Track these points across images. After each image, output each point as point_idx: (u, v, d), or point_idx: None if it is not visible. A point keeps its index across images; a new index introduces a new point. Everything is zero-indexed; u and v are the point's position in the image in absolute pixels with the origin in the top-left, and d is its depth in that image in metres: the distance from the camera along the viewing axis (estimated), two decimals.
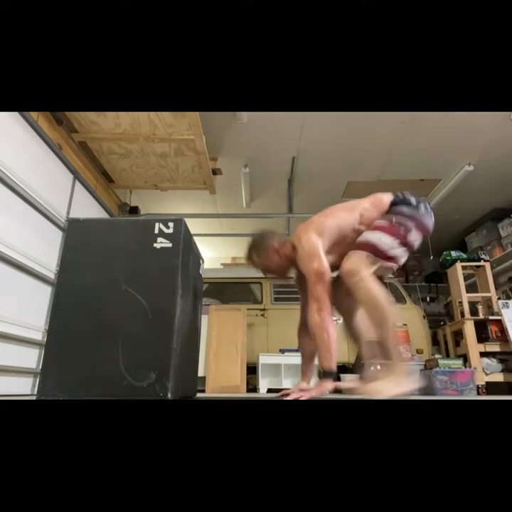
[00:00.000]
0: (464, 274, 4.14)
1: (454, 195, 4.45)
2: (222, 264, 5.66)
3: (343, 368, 3.99)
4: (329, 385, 1.37)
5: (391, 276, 4.47)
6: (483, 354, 3.72)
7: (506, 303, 3.83)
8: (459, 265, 4.14)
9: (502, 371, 3.67)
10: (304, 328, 1.62)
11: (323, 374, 1.39)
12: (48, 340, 1.26)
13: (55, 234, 2.66)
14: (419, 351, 3.97)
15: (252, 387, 3.98)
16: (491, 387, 3.57)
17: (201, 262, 1.86)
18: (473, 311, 3.96)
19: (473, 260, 4.25)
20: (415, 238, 1.47)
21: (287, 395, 1.38)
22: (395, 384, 1.30)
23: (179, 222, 1.39)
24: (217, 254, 6.33)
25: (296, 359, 3.68)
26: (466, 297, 4.00)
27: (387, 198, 1.58)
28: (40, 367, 1.30)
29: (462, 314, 3.96)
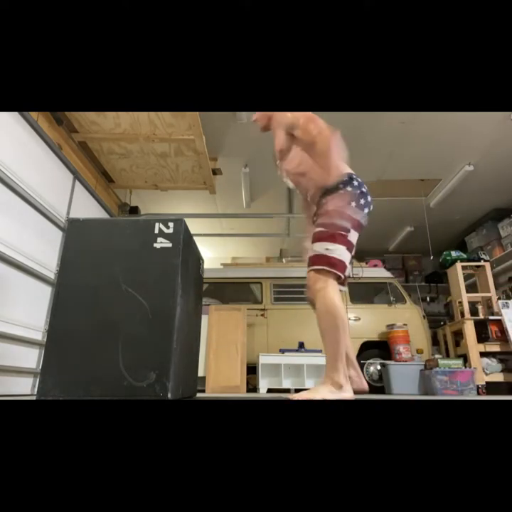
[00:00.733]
0: (464, 274, 4.14)
1: (454, 195, 4.45)
2: (222, 264, 5.65)
3: None
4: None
5: (391, 276, 4.46)
6: (483, 354, 3.72)
7: (506, 303, 3.83)
8: (459, 265, 4.15)
9: (502, 371, 3.67)
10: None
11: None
12: (47, 340, 1.26)
13: (55, 234, 2.66)
14: (419, 351, 3.97)
15: (252, 387, 3.98)
16: (491, 387, 3.58)
17: (201, 262, 1.86)
18: (473, 311, 3.96)
19: (473, 260, 4.25)
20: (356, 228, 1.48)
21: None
22: (327, 392, 1.31)
23: (179, 222, 1.39)
24: (217, 254, 6.34)
25: (296, 359, 3.69)
26: (466, 297, 4.00)
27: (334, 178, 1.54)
28: (40, 367, 1.30)
29: (462, 314, 3.97)
